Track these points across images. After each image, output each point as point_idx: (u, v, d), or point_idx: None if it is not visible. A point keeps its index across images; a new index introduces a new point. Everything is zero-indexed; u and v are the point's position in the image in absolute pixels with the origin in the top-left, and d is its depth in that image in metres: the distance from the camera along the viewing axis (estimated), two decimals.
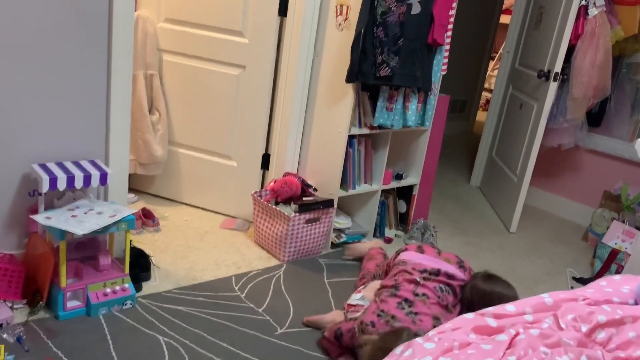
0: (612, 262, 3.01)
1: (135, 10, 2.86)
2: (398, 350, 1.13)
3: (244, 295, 2.40)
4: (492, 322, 1.19)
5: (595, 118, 3.67)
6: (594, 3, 3.23)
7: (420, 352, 1.06)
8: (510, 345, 1.09)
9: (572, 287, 2.93)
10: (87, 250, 2.24)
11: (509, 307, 1.26)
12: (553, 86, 3.30)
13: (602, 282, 1.47)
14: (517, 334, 1.12)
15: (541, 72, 3.36)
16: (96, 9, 2.12)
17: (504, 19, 5.99)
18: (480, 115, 6.66)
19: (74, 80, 2.16)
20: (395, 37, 2.57)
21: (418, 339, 1.14)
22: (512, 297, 1.84)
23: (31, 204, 2.16)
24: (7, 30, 1.97)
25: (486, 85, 6.76)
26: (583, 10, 3.22)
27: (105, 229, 2.04)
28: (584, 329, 1.12)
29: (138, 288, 2.28)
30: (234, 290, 2.42)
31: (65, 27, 2.08)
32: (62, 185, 2.03)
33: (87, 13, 2.11)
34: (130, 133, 2.42)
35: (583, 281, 3.00)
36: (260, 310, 2.30)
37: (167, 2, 2.94)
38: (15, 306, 2.04)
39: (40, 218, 2.00)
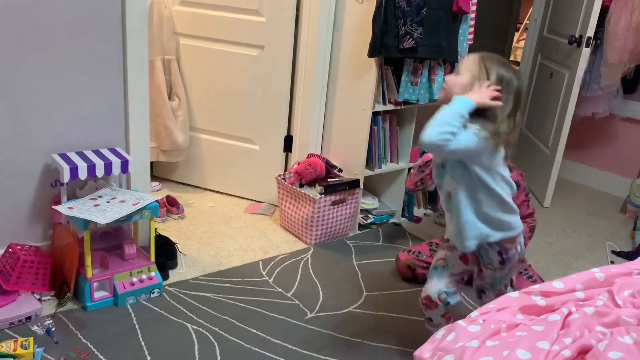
0: None
1: None
2: (439, 334, 1.06)
3: (271, 280, 2.34)
4: (541, 301, 1.10)
5: (631, 84, 3.50)
6: None
7: (465, 335, 0.98)
8: (563, 325, 1.00)
9: (612, 262, 2.80)
10: (112, 239, 2.21)
11: (557, 284, 1.17)
12: (585, 52, 3.14)
13: None
14: (570, 313, 1.03)
15: (572, 38, 3.20)
16: None
17: None
18: None
19: (90, 69, 2.11)
20: (418, 7, 2.45)
21: (461, 322, 1.06)
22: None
23: (54, 195, 2.13)
24: (25, 22, 1.92)
25: (511, 58, 6.55)
26: None
27: (128, 217, 2.00)
28: None
29: (165, 276, 2.25)
30: (262, 275, 2.37)
31: (80, 16, 2.03)
32: (83, 174, 1.99)
33: (100, 0, 2.05)
34: (150, 120, 2.38)
35: (623, 255, 2.87)
36: (289, 294, 2.25)
37: None
38: (43, 298, 2.02)
39: (63, 208, 1.96)
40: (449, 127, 1.48)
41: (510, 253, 1.66)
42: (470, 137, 1.50)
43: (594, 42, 3.15)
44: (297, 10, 2.72)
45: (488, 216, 1.61)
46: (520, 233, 1.68)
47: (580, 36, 3.16)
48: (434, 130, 1.49)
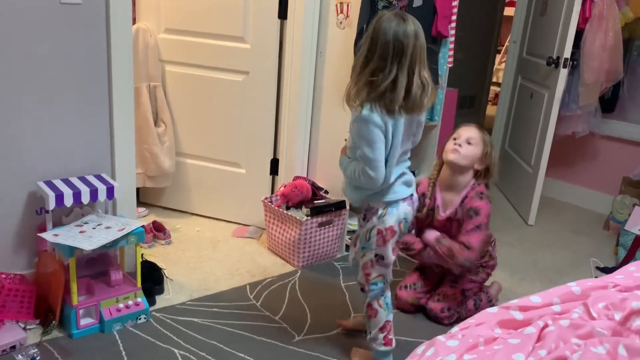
0: (637, 249, 2.92)
1: (135, 23, 2.85)
2: (419, 350, 1.07)
3: (259, 303, 2.34)
4: (518, 315, 1.13)
5: (609, 103, 3.58)
6: None
7: (444, 350, 1.00)
8: (539, 338, 1.02)
9: (596, 277, 2.83)
10: (98, 266, 2.20)
11: (534, 299, 1.19)
12: (563, 73, 3.22)
13: (630, 267, 1.39)
14: (546, 325, 1.05)
15: (550, 59, 3.28)
16: (94, 24, 2.10)
17: (508, 11, 5.91)
18: (491, 110, 6.56)
19: (75, 96, 2.14)
20: None
21: (440, 337, 1.08)
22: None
23: (39, 222, 2.13)
24: (11, 50, 1.95)
25: (494, 80, 6.67)
26: None
27: (114, 243, 2.00)
28: (618, 317, 1.05)
29: (152, 302, 2.24)
30: (249, 299, 2.37)
31: (64, 43, 2.06)
32: (68, 201, 2.00)
33: (85, 28, 2.09)
34: (136, 146, 2.40)
35: (607, 270, 2.90)
36: (276, 318, 2.25)
37: (167, 13, 2.92)
38: (28, 327, 2.00)
39: (48, 235, 1.97)
40: (357, 180, 1.75)
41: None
42: (363, 152, 1.69)
43: (571, 63, 3.23)
44: (281, 36, 2.78)
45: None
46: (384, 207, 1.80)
47: (558, 57, 3.24)
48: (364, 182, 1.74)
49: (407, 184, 1.82)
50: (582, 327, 1.03)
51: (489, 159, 2.25)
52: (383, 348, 1.90)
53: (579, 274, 2.87)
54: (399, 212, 1.80)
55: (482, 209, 2.20)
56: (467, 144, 2.22)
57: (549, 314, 1.12)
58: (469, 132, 2.25)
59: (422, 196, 2.30)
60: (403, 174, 1.80)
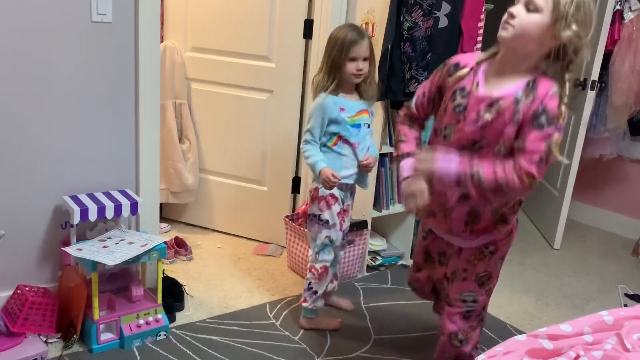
0: None
1: (162, 42, 2.89)
2: None
3: (278, 323, 2.32)
4: (548, 344, 1.09)
5: (638, 126, 3.51)
6: (630, 7, 3.12)
7: None
8: None
9: (625, 305, 2.75)
10: (120, 281, 2.21)
11: (565, 327, 1.15)
12: (591, 95, 3.18)
13: None
14: (578, 356, 1.02)
15: (577, 82, 3.24)
16: (123, 42, 2.14)
17: None
18: None
19: (103, 112, 2.17)
20: (423, 52, 2.51)
21: None
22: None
23: (64, 236, 2.15)
24: (41, 66, 2.00)
25: None
26: (618, 15, 3.11)
27: (136, 258, 2.01)
28: None
29: (172, 318, 2.24)
30: (269, 318, 2.35)
31: (93, 61, 2.10)
32: (93, 216, 2.02)
33: (114, 46, 2.13)
34: (161, 162, 2.42)
35: (637, 298, 2.81)
36: (296, 338, 2.22)
37: (194, 32, 2.97)
38: (49, 340, 2.02)
39: (72, 250, 1.98)
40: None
41: None
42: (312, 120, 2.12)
43: (599, 85, 3.19)
44: (306, 55, 2.79)
45: None
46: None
47: (585, 79, 3.20)
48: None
49: None
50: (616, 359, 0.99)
51: (570, 31, 1.39)
52: None
53: (607, 301, 2.78)
54: None
55: (557, 115, 1.42)
56: (525, 9, 1.43)
57: (580, 344, 1.08)
58: None
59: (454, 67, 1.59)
60: None
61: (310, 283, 2.25)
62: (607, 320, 1.17)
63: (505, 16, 1.46)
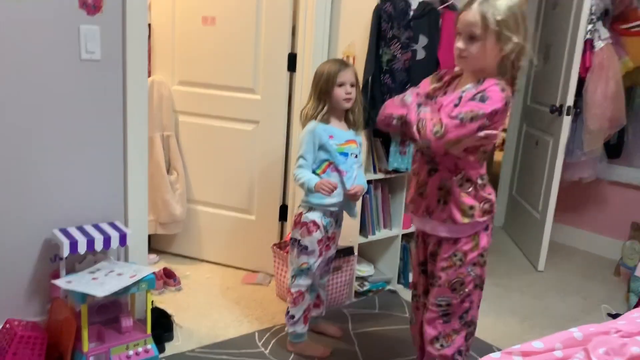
0: None
1: (150, 76, 2.97)
2: None
3: (267, 351, 2.35)
4: None
5: (615, 149, 3.62)
6: (599, 36, 3.25)
7: None
8: None
9: None
10: (110, 312, 2.23)
11: (537, 344, 1.21)
12: (567, 120, 3.28)
13: (634, 313, 1.40)
14: None
15: (553, 107, 3.35)
16: (112, 78, 2.21)
17: None
18: (498, 155, 6.61)
19: (92, 146, 2.22)
20: (402, 83, 2.61)
21: None
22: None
23: (53, 269, 2.18)
24: (29, 101, 2.05)
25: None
26: (589, 44, 3.24)
27: (125, 289, 2.04)
28: None
29: (161, 349, 2.26)
30: (257, 347, 2.37)
31: (82, 97, 2.16)
32: (82, 248, 2.06)
33: (103, 82, 2.19)
34: (149, 194, 2.46)
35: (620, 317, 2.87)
36: None
37: (180, 65, 3.05)
38: None
39: (62, 282, 2.01)
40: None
41: None
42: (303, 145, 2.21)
43: (574, 110, 3.30)
44: (290, 87, 2.88)
45: None
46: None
47: (561, 105, 3.31)
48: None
49: None
50: None
51: (512, 43, 1.62)
52: None
53: (591, 321, 2.80)
54: None
55: (493, 97, 1.61)
56: (468, 39, 1.65)
57: (551, 359, 1.13)
58: (466, 17, 1.64)
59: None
60: None
61: (288, 307, 2.30)
62: (577, 337, 1.23)
63: (456, 52, 1.70)
